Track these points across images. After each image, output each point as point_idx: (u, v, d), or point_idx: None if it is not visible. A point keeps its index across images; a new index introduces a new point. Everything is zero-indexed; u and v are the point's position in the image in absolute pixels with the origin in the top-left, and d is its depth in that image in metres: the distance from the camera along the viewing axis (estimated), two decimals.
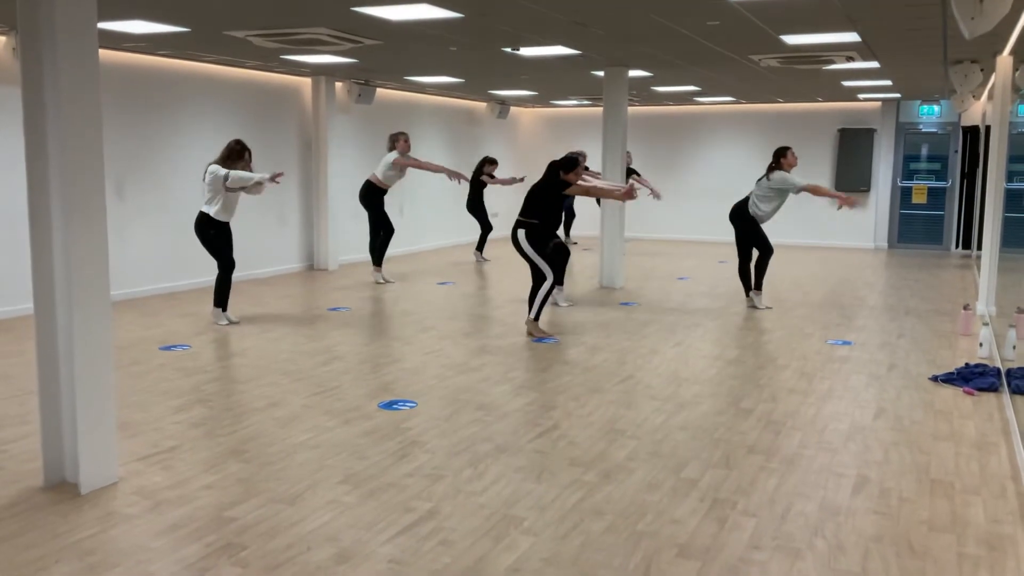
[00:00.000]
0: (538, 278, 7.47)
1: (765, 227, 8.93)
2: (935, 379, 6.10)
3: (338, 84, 12.02)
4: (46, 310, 3.93)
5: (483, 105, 15.69)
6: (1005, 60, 8.19)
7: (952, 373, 6.15)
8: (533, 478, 4.18)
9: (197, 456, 4.46)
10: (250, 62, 9.97)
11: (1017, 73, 8.11)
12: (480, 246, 13.03)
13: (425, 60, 9.54)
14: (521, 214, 7.44)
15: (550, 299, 9.31)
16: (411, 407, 5.37)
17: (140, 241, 9.37)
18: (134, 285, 9.25)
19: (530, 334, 7.45)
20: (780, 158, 8.83)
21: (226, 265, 7.82)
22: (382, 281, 10.45)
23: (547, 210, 7.46)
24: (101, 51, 4.06)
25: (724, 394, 5.72)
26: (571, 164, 7.51)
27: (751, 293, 9.06)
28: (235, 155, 7.56)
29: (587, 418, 5.16)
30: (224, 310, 7.91)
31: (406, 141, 10.40)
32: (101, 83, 3.95)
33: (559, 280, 9.52)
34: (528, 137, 17.15)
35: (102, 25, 6.95)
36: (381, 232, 10.48)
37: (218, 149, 10.20)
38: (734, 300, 9.45)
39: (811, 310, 8.89)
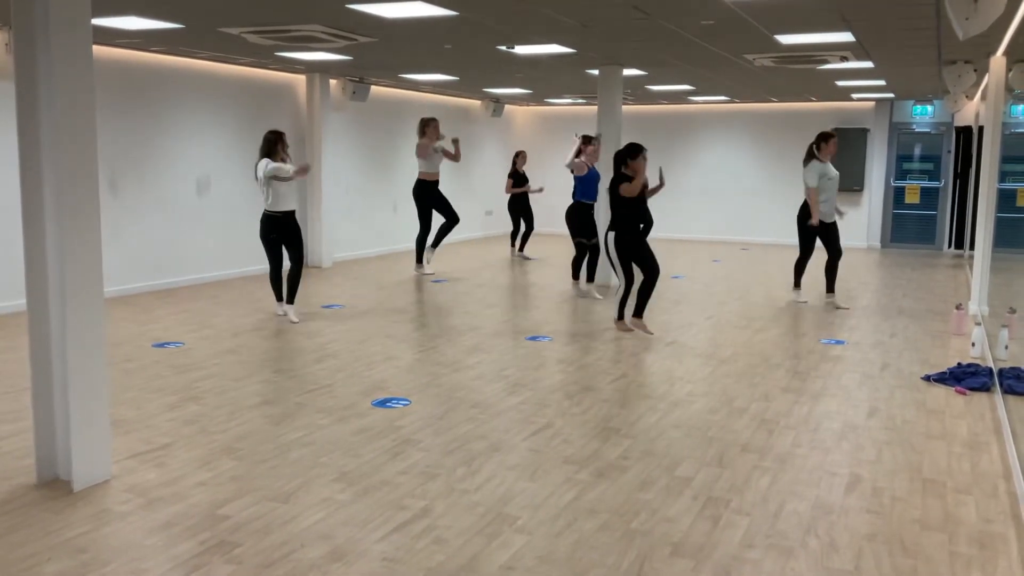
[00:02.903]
0: (628, 282, 7.40)
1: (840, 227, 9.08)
2: (928, 378, 6.12)
3: (332, 81, 12.00)
4: (39, 306, 3.92)
5: (478, 103, 15.68)
6: (998, 61, 8.21)
7: (944, 373, 6.17)
8: (527, 476, 4.18)
9: (190, 453, 4.46)
10: (244, 59, 9.95)
11: (1010, 74, 8.13)
12: (522, 245, 13.06)
13: (420, 58, 9.53)
14: (612, 221, 7.32)
15: (584, 291, 9.40)
16: (405, 405, 5.36)
17: (133, 237, 9.34)
18: (128, 282, 9.23)
19: (629, 329, 7.48)
20: (821, 143, 8.80)
21: (298, 258, 7.82)
22: (429, 272, 10.81)
23: (621, 212, 7.19)
24: (95, 47, 4.05)
25: (717, 393, 5.73)
26: (633, 151, 7.13)
27: (828, 295, 9.14)
28: (274, 145, 7.59)
29: (581, 416, 5.16)
30: (292, 303, 7.98)
31: (436, 128, 10.48)
32: (95, 79, 3.94)
33: (589, 277, 9.62)
34: (523, 135, 17.14)
35: (96, 21, 6.93)
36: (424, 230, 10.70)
37: (213, 146, 10.28)
38: (728, 299, 9.48)
39: (804, 309, 8.91)
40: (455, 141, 10.83)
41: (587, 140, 9.42)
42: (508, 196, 12.98)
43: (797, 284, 9.32)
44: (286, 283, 7.95)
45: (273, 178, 7.48)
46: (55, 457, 4.01)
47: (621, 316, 7.55)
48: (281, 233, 7.69)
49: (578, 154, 9.34)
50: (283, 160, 7.60)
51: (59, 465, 4.01)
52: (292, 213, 7.73)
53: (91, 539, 3.46)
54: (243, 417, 5.09)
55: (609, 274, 10.23)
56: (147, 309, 8.50)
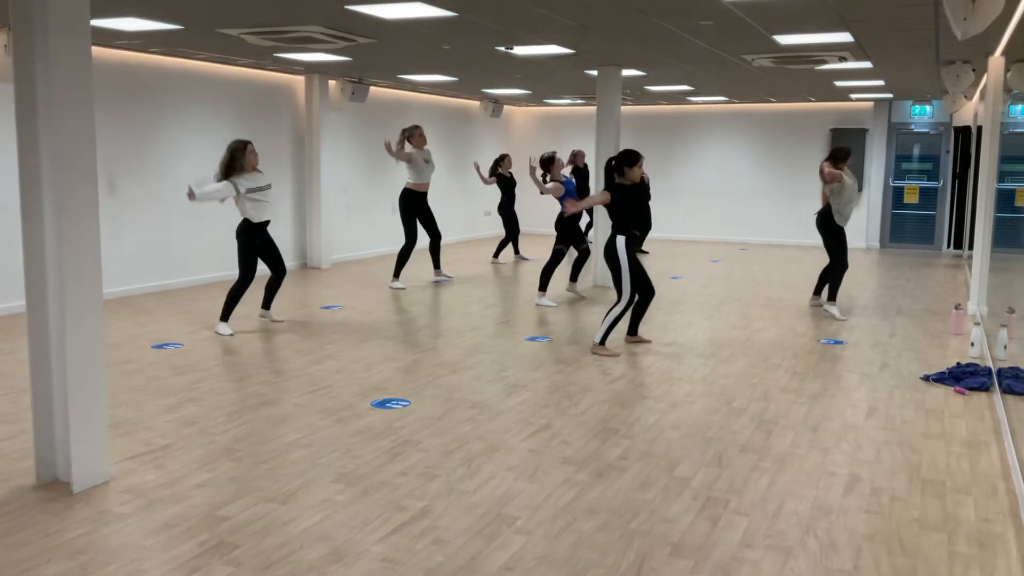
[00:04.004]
0: (618, 296, 6.77)
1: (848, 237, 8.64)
2: (927, 378, 6.12)
3: (331, 82, 12.00)
4: (38, 308, 3.92)
5: (476, 104, 15.68)
6: (997, 61, 8.22)
7: (943, 372, 6.17)
8: (526, 477, 4.18)
9: (189, 455, 4.46)
10: (243, 60, 9.95)
11: (1008, 74, 8.14)
12: (516, 248, 12.89)
13: (419, 58, 9.53)
14: (615, 226, 6.78)
15: (573, 289, 9.31)
16: (404, 406, 5.37)
17: (132, 238, 9.34)
18: (126, 283, 9.23)
19: (594, 354, 6.81)
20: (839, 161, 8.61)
21: (282, 267, 7.59)
22: (400, 287, 10.04)
23: (623, 216, 6.72)
24: (93, 48, 4.05)
25: (716, 393, 5.73)
26: (631, 159, 6.69)
27: (825, 305, 8.62)
28: (234, 157, 7.08)
29: (580, 417, 5.16)
30: (268, 307, 7.82)
31: (421, 135, 10.00)
32: (93, 80, 3.94)
33: (573, 277, 9.54)
34: (521, 136, 17.15)
35: (95, 22, 6.93)
36: (432, 237, 10.25)
37: (211, 147, 10.23)
38: (727, 299, 9.48)
39: (804, 309, 8.91)
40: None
41: (550, 160, 9.20)
42: (499, 201, 12.71)
43: (832, 297, 8.55)
44: (267, 289, 7.72)
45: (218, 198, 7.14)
46: (54, 458, 4.01)
47: (634, 331, 7.17)
48: (264, 241, 7.41)
49: (545, 177, 9.15)
50: (254, 169, 7.17)
51: (58, 466, 4.00)
52: (267, 223, 7.43)
53: (90, 540, 3.46)
54: (242, 418, 5.09)
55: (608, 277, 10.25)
56: (146, 310, 8.50)
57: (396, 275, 10.13)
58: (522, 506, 3.83)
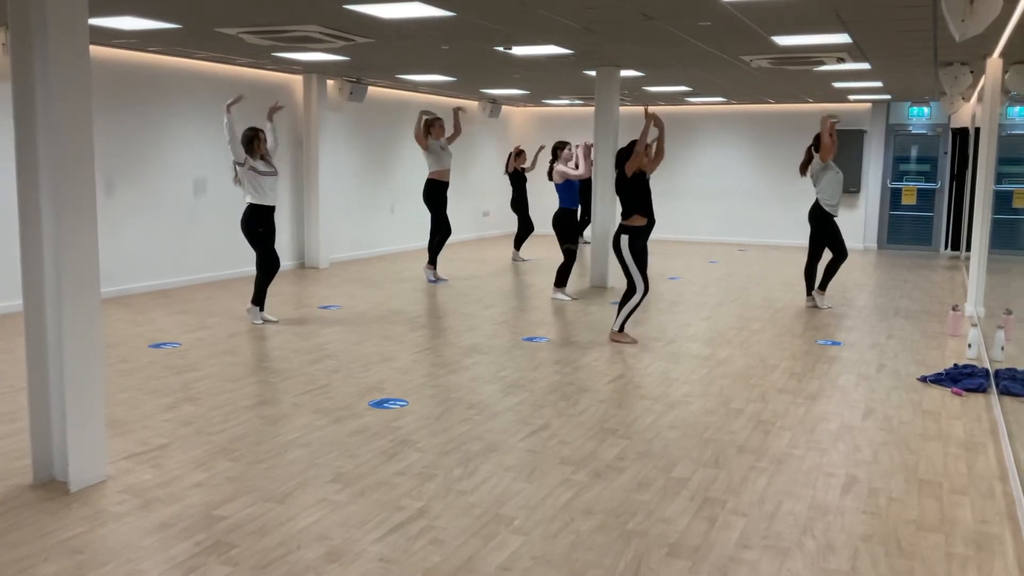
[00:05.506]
0: (630, 288, 7.13)
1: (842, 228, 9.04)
2: (924, 380, 6.13)
3: (330, 82, 12.00)
4: (36, 307, 3.92)
5: (475, 104, 15.68)
6: (994, 62, 8.22)
7: (941, 374, 6.18)
8: (523, 477, 4.18)
9: (187, 454, 4.45)
10: (241, 59, 9.94)
11: (1007, 75, 8.15)
12: (518, 245, 12.91)
13: (417, 58, 9.53)
14: (622, 216, 7.09)
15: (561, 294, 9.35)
16: (402, 406, 5.36)
17: (130, 238, 9.33)
18: (124, 282, 9.22)
19: (614, 341, 7.22)
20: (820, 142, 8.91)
21: (268, 263, 7.72)
22: (433, 280, 10.47)
23: (635, 204, 7.01)
24: (92, 47, 4.05)
25: (714, 394, 5.74)
26: (628, 150, 7.16)
27: (814, 292, 9.10)
28: (250, 143, 7.53)
29: (577, 417, 5.16)
30: (261, 308, 7.90)
31: (440, 127, 10.25)
32: (92, 80, 3.94)
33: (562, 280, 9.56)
34: (520, 136, 17.14)
35: (93, 21, 6.92)
36: (439, 232, 10.44)
37: (210, 147, 10.26)
38: (725, 300, 9.48)
39: (801, 310, 8.92)
40: (458, 110, 10.89)
41: (562, 146, 9.61)
42: (511, 196, 12.83)
43: (817, 288, 9.10)
44: (257, 284, 7.84)
45: (241, 164, 7.44)
46: (51, 458, 4.00)
47: (622, 328, 7.26)
48: (267, 229, 7.64)
49: (554, 159, 9.59)
50: (262, 157, 7.58)
51: (55, 466, 4.00)
52: (274, 209, 7.68)
53: (87, 540, 3.45)
54: (239, 418, 5.08)
55: (604, 278, 10.27)
56: (143, 310, 8.49)
57: (431, 262, 10.53)
58: (519, 506, 3.83)
